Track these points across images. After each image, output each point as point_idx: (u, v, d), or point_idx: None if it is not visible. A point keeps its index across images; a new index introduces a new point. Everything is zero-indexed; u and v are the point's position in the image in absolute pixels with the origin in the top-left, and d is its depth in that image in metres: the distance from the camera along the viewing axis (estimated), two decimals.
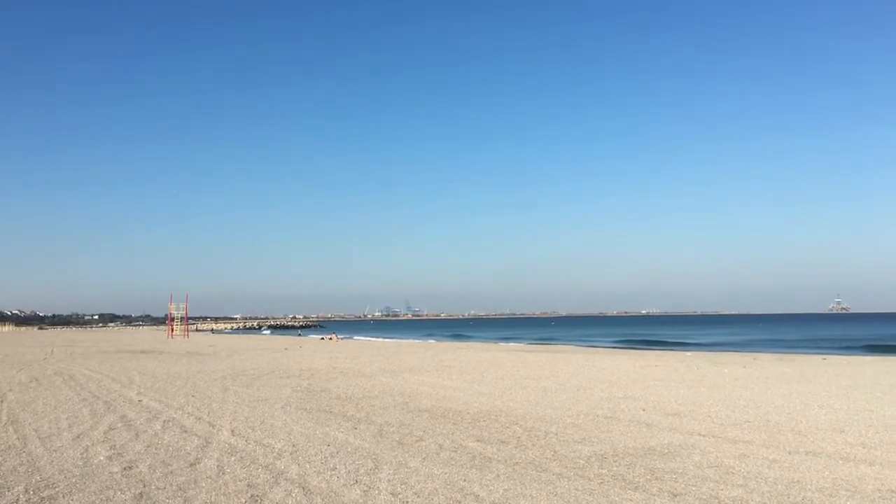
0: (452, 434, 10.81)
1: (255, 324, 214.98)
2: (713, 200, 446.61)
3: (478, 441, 10.23)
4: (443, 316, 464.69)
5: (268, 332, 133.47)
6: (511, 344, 61.11)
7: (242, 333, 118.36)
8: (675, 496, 7.26)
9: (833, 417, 12.77)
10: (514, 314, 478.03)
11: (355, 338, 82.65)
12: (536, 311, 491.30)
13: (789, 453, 9.47)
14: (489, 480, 7.82)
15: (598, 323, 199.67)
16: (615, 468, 8.51)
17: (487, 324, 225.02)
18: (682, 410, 13.61)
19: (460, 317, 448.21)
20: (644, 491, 7.46)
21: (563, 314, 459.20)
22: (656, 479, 7.99)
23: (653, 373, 22.95)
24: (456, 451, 9.46)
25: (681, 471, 8.39)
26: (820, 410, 13.68)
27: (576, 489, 7.51)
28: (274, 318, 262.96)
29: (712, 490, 7.52)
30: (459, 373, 22.70)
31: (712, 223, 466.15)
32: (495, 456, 9.17)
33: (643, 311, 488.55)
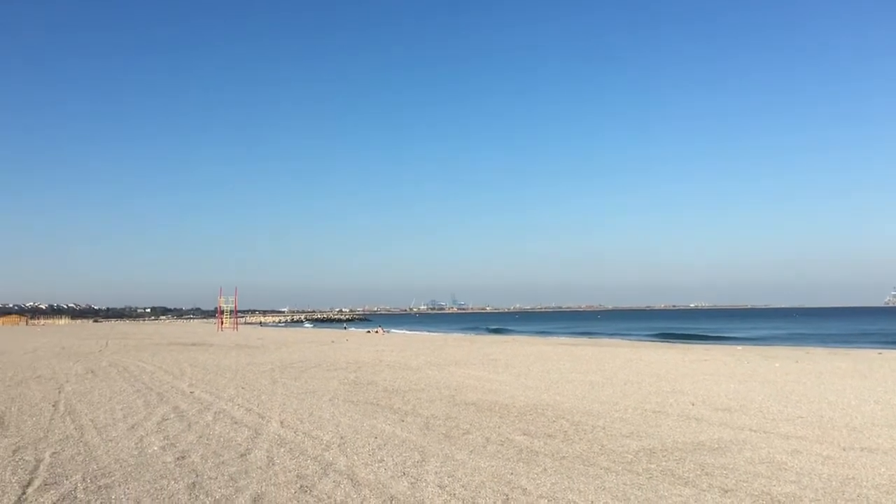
0: (499, 427, 10.81)
1: (301, 317, 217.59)
2: (767, 192, 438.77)
3: (524, 435, 10.22)
4: (488, 309, 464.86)
5: (309, 325, 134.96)
6: (556, 338, 60.82)
7: (288, 326, 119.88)
8: (726, 492, 7.16)
9: (889, 413, 12.45)
10: (560, 308, 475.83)
11: (400, 331, 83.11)
12: (582, 304, 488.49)
13: (843, 449, 9.27)
14: (536, 474, 7.80)
15: (646, 316, 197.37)
16: (664, 463, 8.42)
17: (532, 317, 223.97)
18: (732, 405, 13.41)
19: (506, 310, 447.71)
20: (694, 486, 7.37)
21: (610, 307, 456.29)
22: (706, 474, 7.89)
23: (702, 367, 22.63)
24: (502, 445, 9.46)
25: (731, 466, 8.26)
26: (875, 406, 13.34)
27: (624, 484, 7.45)
28: (321, 312, 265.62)
29: (764, 486, 7.39)
30: (505, 366, 22.67)
31: (764, 215, 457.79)
32: (542, 450, 9.14)
33: (692, 305, 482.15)
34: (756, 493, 7.11)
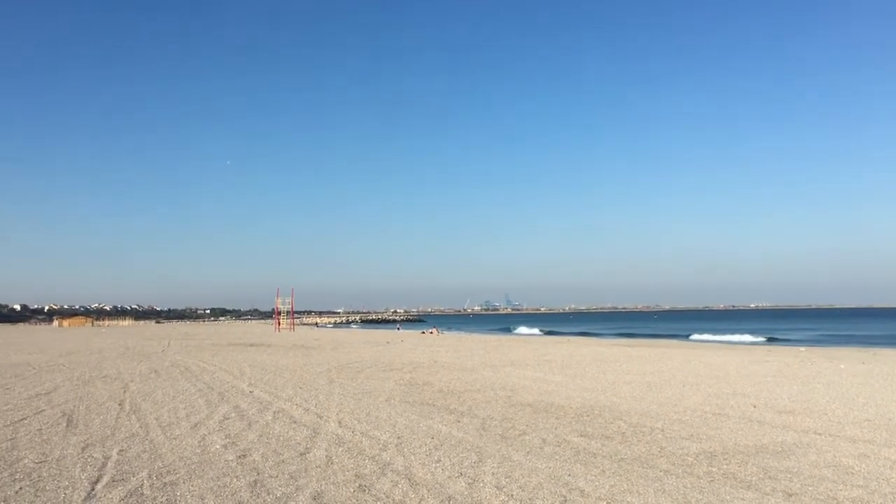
0: (555, 429, 10.75)
1: (357, 318, 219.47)
2: (832, 192, 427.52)
3: (581, 436, 10.14)
4: (542, 310, 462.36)
5: (354, 326, 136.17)
6: (612, 339, 60.15)
7: (341, 328, 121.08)
8: (790, 496, 6.99)
9: None
10: (616, 308, 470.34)
11: (451, 332, 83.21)
12: (639, 304, 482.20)
13: None
14: (594, 476, 7.73)
15: (704, 317, 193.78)
16: (725, 466, 8.26)
17: (586, 318, 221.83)
18: (795, 408, 13.08)
19: (560, 311, 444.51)
20: (757, 490, 7.22)
21: (667, 308, 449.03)
22: (770, 478, 7.71)
23: (763, 368, 22.14)
24: (559, 446, 9.40)
25: (796, 470, 8.07)
26: None
27: (685, 487, 7.33)
28: (376, 312, 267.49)
29: (830, 490, 7.20)
30: (561, 367, 22.52)
31: (828, 214, 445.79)
32: (600, 451, 9.06)
33: (752, 305, 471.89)
34: (822, 498, 6.93)
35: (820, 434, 10.36)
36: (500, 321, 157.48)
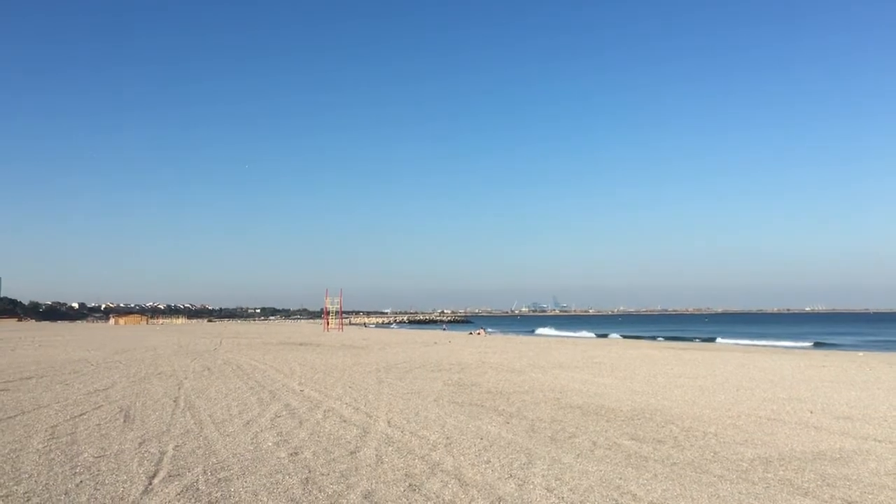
0: (606, 431, 10.64)
1: (404, 318, 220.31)
2: (890, 191, 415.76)
3: (632, 439, 10.02)
4: (591, 312, 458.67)
5: (395, 326, 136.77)
6: (662, 341, 59.33)
7: (388, 328, 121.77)
8: None
9: None
10: (666, 310, 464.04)
11: (495, 332, 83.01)
12: (689, 307, 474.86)
13: None
14: (646, 480, 7.64)
15: (757, 320, 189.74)
16: (781, 472, 8.08)
17: (636, 320, 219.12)
18: (853, 414, 12.74)
19: (609, 313, 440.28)
20: (815, 497, 7.05)
21: (719, 311, 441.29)
22: (828, 485, 7.53)
23: (819, 373, 21.61)
24: (610, 449, 9.31)
25: (855, 477, 7.86)
26: None
27: (739, 493, 7.19)
28: (423, 313, 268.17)
29: (891, 499, 7.00)
30: (611, 369, 22.30)
31: (886, 214, 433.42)
32: (652, 455, 8.95)
33: (807, 308, 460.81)
34: None
35: (880, 441, 10.08)
36: (542, 323, 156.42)
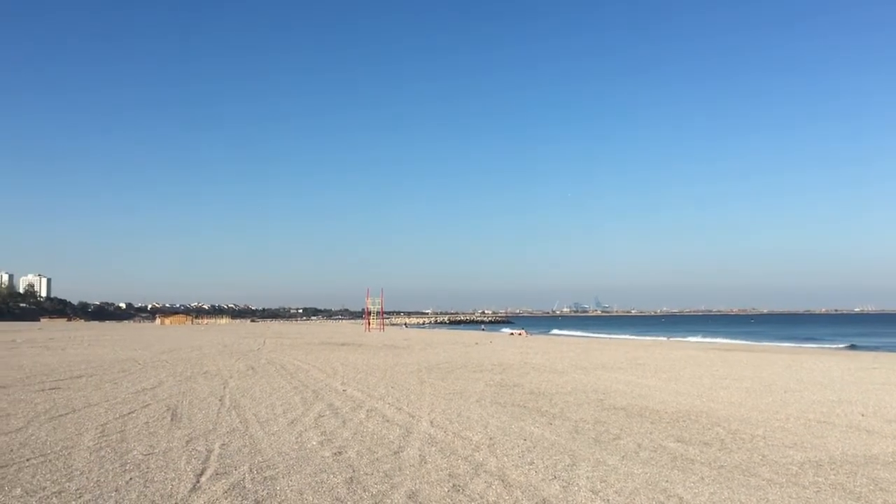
0: (651, 433, 10.52)
1: (445, 318, 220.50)
2: None
3: (678, 441, 9.89)
4: (633, 312, 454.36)
5: (426, 326, 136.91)
6: (706, 341, 58.50)
7: (429, 328, 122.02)
8: None
9: None
10: (710, 311, 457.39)
11: (536, 333, 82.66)
12: (734, 307, 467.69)
13: None
14: (693, 483, 7.52)
15: (804, 321, 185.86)
16: (833, 476, 7.90)
17: (679, 320, 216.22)
18: None
19: (652, 313, 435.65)
20: (867, 502, 6.87)
21: (765, 311, 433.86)
22: (881, 489, 7.33)
23: (871, 375, 21.11)
24: (655, 451, 9.19)
25: None
26: None
27: (789, 497, 7.05)
28: (463, 313, 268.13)
29: None
30: (654, 371, 22.05)
31: None
32: (698, 458, 8.81)
33: (856, 309, 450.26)
34: None
35: None
36: (584, 324, 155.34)
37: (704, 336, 72.51)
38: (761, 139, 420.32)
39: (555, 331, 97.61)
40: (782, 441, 10.02)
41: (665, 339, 65.86)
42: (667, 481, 7.58)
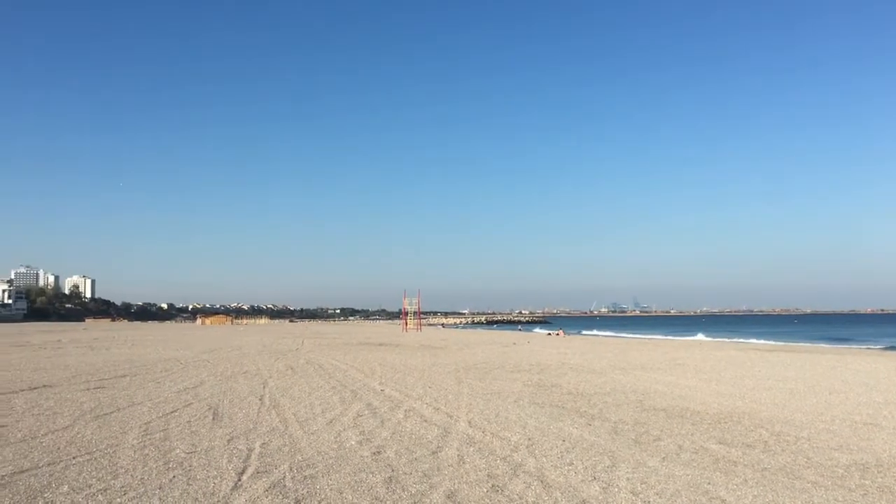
0: (692, 435, 10.39)
1: (482, 318, 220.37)
2: None
3: (720, 443, 9.75)
4: (673, 313, 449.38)
5: (460, 327, 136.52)
6: (748, 342, 57.61)
7: (466, 328, 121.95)
8: None
9: None
10: (752, 311, 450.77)
11: (573, 333, 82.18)
12: (776, 307, 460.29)
13: None
14: (736, 485, 7.41)
15: (849, 321, 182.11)
16: (880, 479, 7.73)
17: (720, 321, 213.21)
18: None
19: (692, 313, 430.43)
20: None
21: (808, 311, 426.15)
22: None
23: None
24: (697, 453, 9.08)
25: None
26: None
27: (835, 500, 6.91)
28: (501, 313, 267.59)
29: None
30: (695, 371, 21.78)
31: None
32: (741, 460, 8.68)
33: None
34: None
35: None
36: (622, 324, 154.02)
37: (744, 337, 71.38)
38: (814, 137, 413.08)
39: (594, 331, 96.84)
40: (828, 443, 9.83)
41: (705, 338, 65.08)
42: (709, 483, 7.48)
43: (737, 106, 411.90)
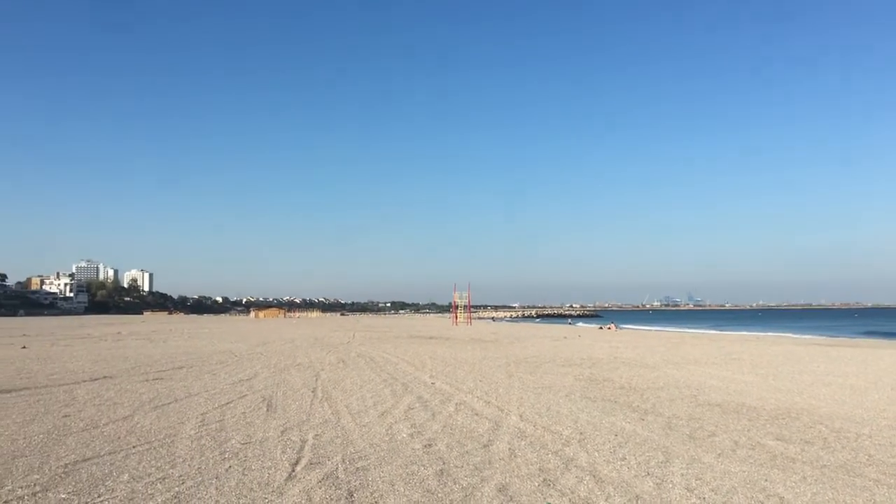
0: (748, 431, 10.19)
1: (532, 312, 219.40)
2: None
3: (777, 440, 9.54)
4: (727, 306, 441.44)
5: (506, 321, 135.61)
6: (806, 337, 56.25)
7: (517, 322, 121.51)
8: None
9: None
10: (810, 304, 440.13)
11: (627, 327, 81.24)
12: (836, 301, 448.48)
13: None
14: (794, 482, 7.25)
15: None
16: None
17: (776, 315, 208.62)
18: None
19: (747, 307, 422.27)
20: None
21: (869, 305, 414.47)
22: None
23: None
24: (753, 449, 8.90)
25: None
26: None
27: None
28: (551, 307, 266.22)
29: None
30: (751, 366, 21.36)
31: None
32: (799, 457, 8.49)
33: None
34: None
35: None
36: (675, 318, 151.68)
37: (802, 332, 69.65)
38: (880, 127, 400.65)
39: (646, 325, 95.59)
40: (890, 440, 9.54)
41: (760, 333, 63.75)
42: (766, 480, 7.33)
43: (815, 97, 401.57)
